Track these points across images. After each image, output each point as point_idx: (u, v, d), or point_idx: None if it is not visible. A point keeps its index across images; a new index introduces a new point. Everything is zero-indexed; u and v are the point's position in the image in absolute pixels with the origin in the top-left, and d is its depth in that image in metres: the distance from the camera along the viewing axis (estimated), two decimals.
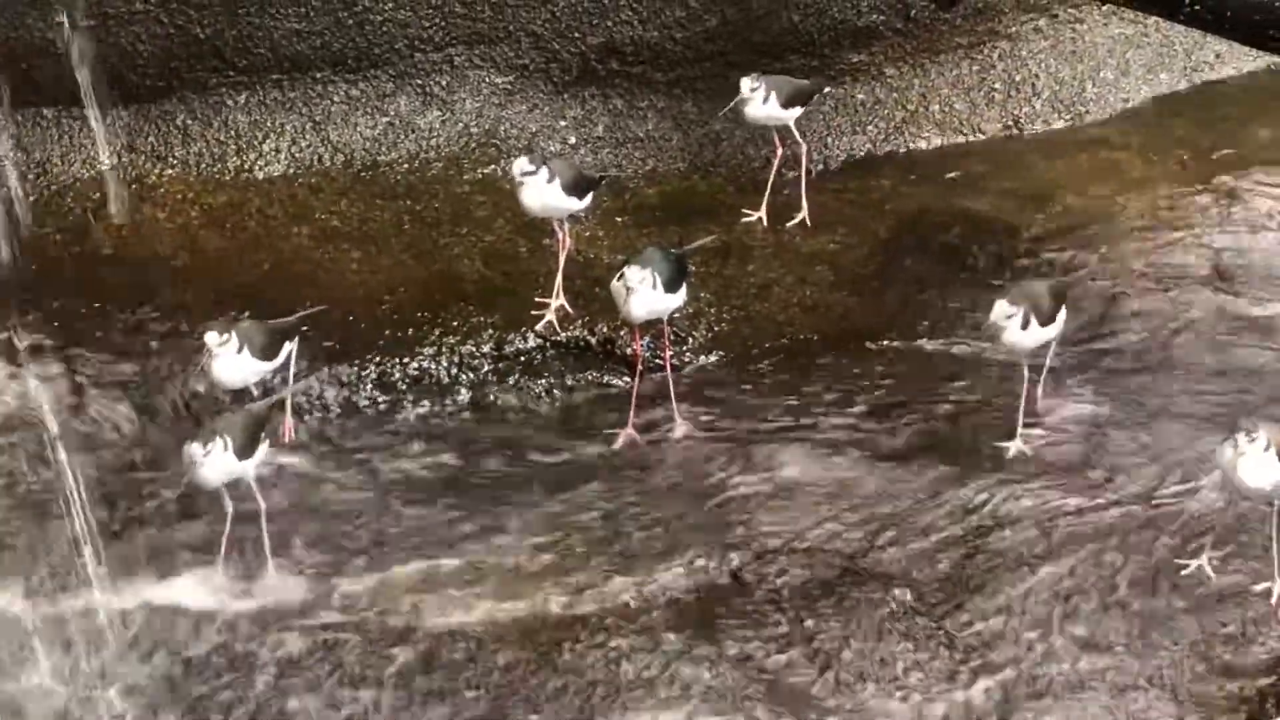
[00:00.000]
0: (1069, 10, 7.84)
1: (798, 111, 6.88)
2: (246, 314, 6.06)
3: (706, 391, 6.34)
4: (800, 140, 6.95)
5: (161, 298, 6.46)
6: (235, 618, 5.38)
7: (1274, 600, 5.41)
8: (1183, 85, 8.02)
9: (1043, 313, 5.77)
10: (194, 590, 5.45)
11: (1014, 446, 5.88)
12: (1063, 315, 5.87)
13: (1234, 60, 8.05)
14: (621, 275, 5.87)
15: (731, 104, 6.79)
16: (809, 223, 6.98)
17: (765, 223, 6.98)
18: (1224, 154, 7.57)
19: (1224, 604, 5.43)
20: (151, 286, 6.53)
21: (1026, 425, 5.94)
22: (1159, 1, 6.54)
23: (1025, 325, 5.73)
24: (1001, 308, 5.71)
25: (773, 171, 7.04)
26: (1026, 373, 5.91)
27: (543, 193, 6.18)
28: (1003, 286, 6.06)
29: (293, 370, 5.99)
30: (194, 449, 5.34)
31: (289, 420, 6.05)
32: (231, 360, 5.70)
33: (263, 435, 5.53)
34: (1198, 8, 6.45)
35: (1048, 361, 5.91)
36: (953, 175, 7.40)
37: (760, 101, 6.77)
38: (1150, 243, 7.05)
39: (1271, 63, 8.00)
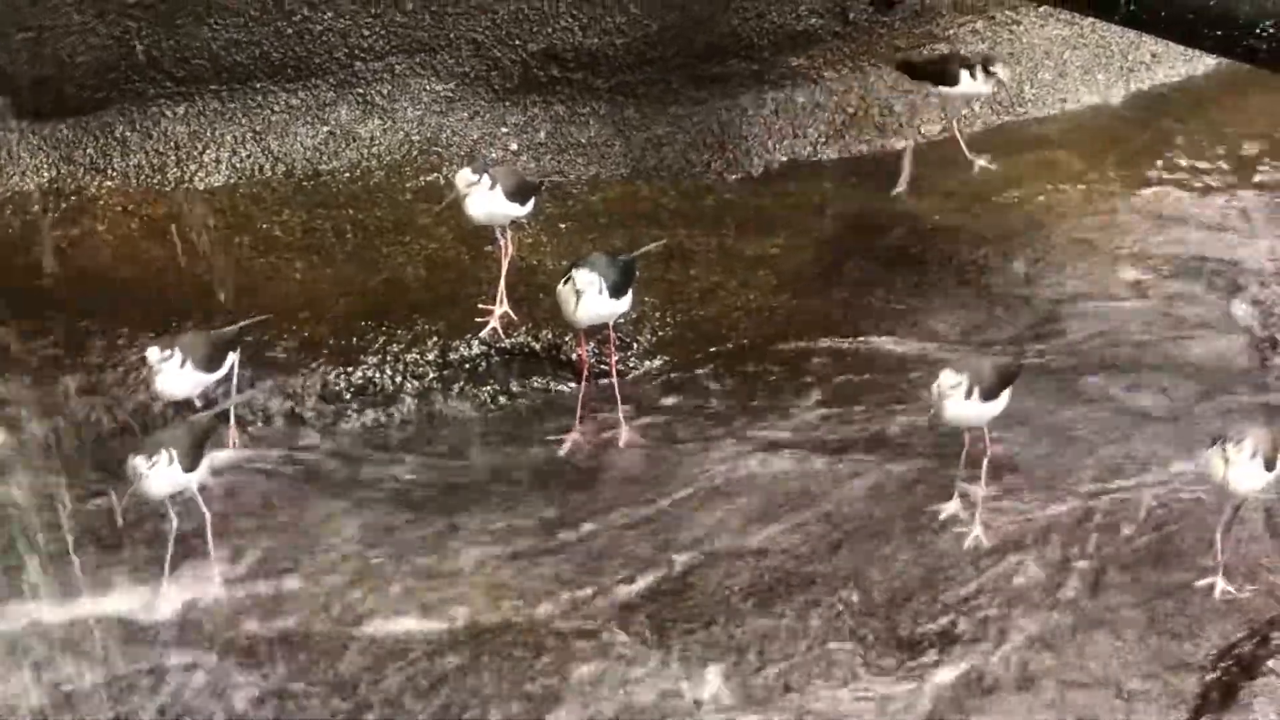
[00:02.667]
0: (1006, 12, 7.89)
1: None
2: (189, 325, 6.04)
3: (652, 396, 6.35)
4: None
5: (103, 310, 6.43)
6: (181, 629, 5.36)
7: (1217, 594, 5.46)
8: (1120, 85, 8.08)
9: (986, 387, 5.56)
10: (139, 603, 5.43)
11: (949, 508, 5.76)
12: (1007, 395, 5.64)
13: (1170, 60, 8.11)
14: (568, 280, 5.88)
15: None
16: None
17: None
18: (1160, 153, 7.63)
19: (1167, 600, 5.47)
20: (92, 299, 6.49)
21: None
22: (1095, 3, 6.58)
23: (969, 396, 5.50)
24: (947, 377, 5.50)
25: (909, 151, 7.34)
26: (967, 440, 5.72)
27: (486, 201, 6.19)
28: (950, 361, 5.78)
29: (235, 380, 5.97)
30: (139, 462, 5.32)
31: (233, 430, 6.03)
32: (175, 373, 5.68)
33: (206, 446, 5.52)
34: (1133, 8, 6.49)
35: (988, 440, 5.72)
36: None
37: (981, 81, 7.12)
38: (1090, 241, 7.10)
39: (1206, 62, 8.07)
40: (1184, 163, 7.58)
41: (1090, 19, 7.64)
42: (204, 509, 5.51)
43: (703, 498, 5.87)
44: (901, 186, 7.31)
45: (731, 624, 5.40)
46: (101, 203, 6.92)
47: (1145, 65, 8.14)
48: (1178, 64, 8.12)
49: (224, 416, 5.93)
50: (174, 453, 5.36)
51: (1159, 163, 7.57)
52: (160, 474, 5.34)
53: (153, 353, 5.65)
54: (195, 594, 5.47)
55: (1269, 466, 5.34)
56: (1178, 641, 5.36)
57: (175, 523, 5.49)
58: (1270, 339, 6.60)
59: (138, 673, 5.24)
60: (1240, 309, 6.74)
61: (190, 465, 5.41)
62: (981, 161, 7.37)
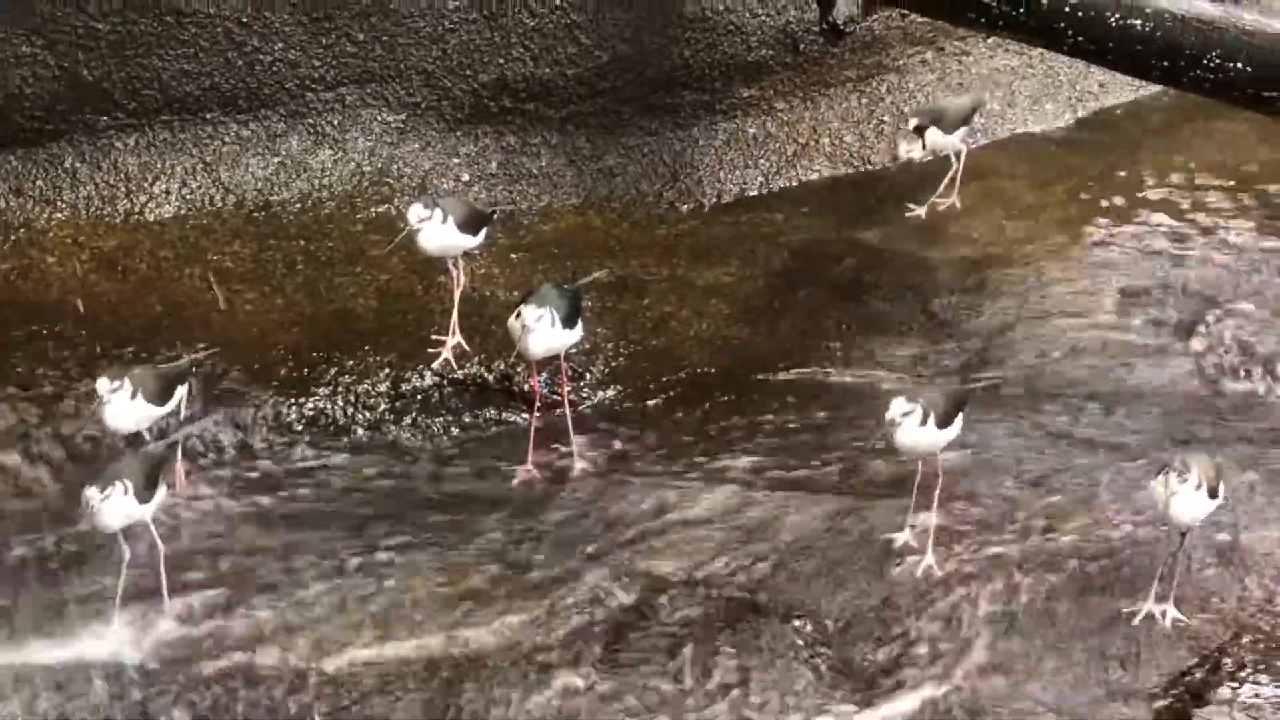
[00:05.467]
0: (955, 43, 7.93)
1: (962, 132, 7.29)
2: (140, 357, 6.01)
3: (605, 426, 6.35)
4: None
5: (52, 342, 6.40)
6: (132, 666, 5.33)
7: (1167, 622, 5.48)
8: (1068, 115, 8.14)
9: (940, 414, 5.57)
10: (89, 639, 5.39)
11: (902, 538, 5.77)
12: (959, 421, 5.67)
13: (1117, 90, 8.18)
14: (519, 314, 5.88)
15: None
16: (958, 205, 7.36)
17: (921, 216, 7.35)
18: (1108, 182, 7.68)
19: (1118, 627, 5.49)
20: (42, 331, 6.46)
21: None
22: (1043, 34, 6.64)
23: (923, 423, 5.52)
24: (899, 404, 5.52)
25: (956, 174, 7.36)
26: (919, 469, 5.74)
27: (439, 234, 6.19)
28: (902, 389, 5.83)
29: (185, 414, 5.94)
30: (93, 493, 5.29)
31: (180, 466, 5.99)
32: (124, 406, 5.65)
33: (161, 477, 5.49)
34: (1080, 39, 6.55)
35: (940, 468, 5.73)
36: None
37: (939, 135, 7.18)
38: (1039, 270, 7.14)
39: (1153, 91, 8.13)
40: (1131, 191, 7.63)
41: (1038, 49, 7.70)
42: (158, 541, 5.49)
43: (655, 529, 5.87)
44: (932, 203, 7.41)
45: (684, 656, 5.40)
46: (51, 235, 6.89)
47: (1093, 95, 8.20)
48: (1125, 93, 8.19)
49: (175, 447, 5.90)
50: (128, 484, 5.33)
51: (1107, 191, 7.62)
52: (115, 505, 5.31)
53: (102, 384, 5.63)
54: (146, 627, 5.44)
55: (1212, 495, 5.39)
56: (1128, 669, 5.39)
57: (127, 555, 5.46)
58: (1218, 368, 6.65)
59: (87, 709, 5.21)
60: (1188, 339, 6.78)
61: (145, 496, 5.39)
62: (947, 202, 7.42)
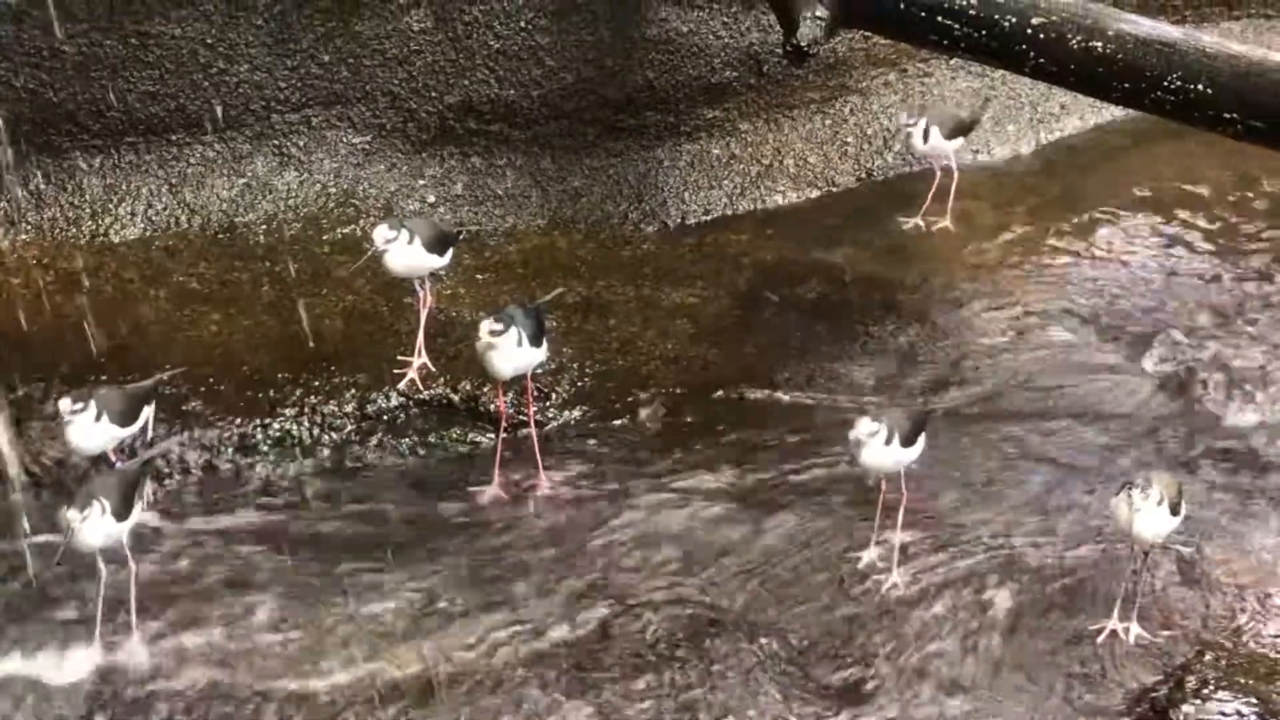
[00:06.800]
0: (917, 65, 7.98)
1: (959, 142, 7.38)
2: (104, 379, 6.00)
3: (571, 446, 6.36)
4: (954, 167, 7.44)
5: (17, 364, 6.38)
6: (103, 682, 5.32)
7: (1131, 639, 5.52)
8: (1029, 136, 8.19)
9: (904, 433, 5.63)
10: (61, 657, 5.38)
11: (867, 556, 5.80)
12: (922, 440, 5.73)
13: (1078, 111, 8.23)
14: (480, 333, 5.90)
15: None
16: (951, 228, 7.44)
17: (923, 228, 7.44)
18: (1069, 203, 7.73)
19: (1082, 645, 5.52)
20: (6, 353, 6.44)
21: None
22: (1005, 56, 6.68)
23: (888, 443, 5.58)
24: (865, 424, 5.58)
25: (934, 185, 7.45)
26: (884, 488, 5.79)
27: (406, 254, 6.21)
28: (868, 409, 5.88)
29: (150, 434, 5.93)
30: (72, 514, 5.29)
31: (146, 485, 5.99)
32: (89, 426, 5.65)
33: (136, 497, 5.49)
34: (1042, 62, 6.60)
35: (904, 487, 5.77)
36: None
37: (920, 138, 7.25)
38: (1001, 290, 7.18)
39: (1115, 113, 8.19)
40: (1092, 211, 7.68)
41: (1000, 71, 7.75)
42: (130, 560, 5.48)
43: (621, 548, 5.89)
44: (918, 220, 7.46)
45: (650, 674, 5.41)
46: (16, 256, 6.88)
47: (1055, 116, 8.25)
48: (1087, 114, 8.24)
49: (148, 466, 5.89)
50: (106, 503, 5.33)
51: (1068, 212, 7.67)
52: (94, 525, 5.31)
53: (64, 404, 5.62)
54: (116, 646, 5.43)
55: (1174, 512, 5.43)
56: (1092, 687, 5.42)
57: (104, 574, 5.45)
58: (1178, 386, 6.69)
59: None
60: (1148, 358, 6.83)
61: (123, 514, 5.39)
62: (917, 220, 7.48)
